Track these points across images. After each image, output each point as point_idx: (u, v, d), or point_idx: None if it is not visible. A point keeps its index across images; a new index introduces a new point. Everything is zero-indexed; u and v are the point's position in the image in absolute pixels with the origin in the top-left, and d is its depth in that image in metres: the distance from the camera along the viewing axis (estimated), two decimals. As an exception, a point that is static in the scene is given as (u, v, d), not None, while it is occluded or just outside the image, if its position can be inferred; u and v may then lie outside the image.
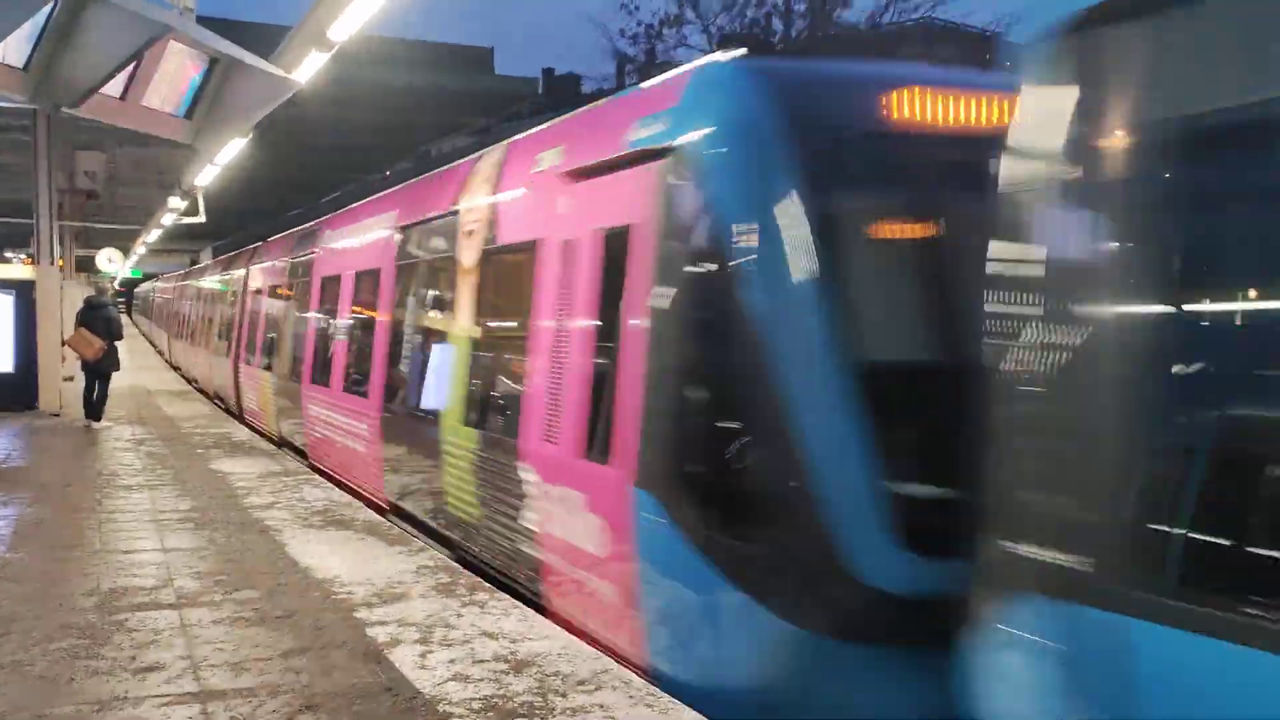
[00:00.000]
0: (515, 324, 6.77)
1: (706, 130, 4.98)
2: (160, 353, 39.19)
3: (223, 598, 6.22)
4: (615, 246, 5.56)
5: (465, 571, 7.03)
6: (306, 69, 7.73)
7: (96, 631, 5.50)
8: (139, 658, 5.10)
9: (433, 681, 4.84)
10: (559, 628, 5.77)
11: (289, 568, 7.00)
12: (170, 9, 6.18)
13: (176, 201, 18.53)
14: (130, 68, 5.79)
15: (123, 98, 5.85)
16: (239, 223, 35.56)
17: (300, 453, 13.36)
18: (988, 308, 3.23)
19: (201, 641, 5.36)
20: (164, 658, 5.10)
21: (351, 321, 11.30)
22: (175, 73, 6.07)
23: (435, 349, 8.55)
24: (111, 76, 5.58)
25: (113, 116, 6.15)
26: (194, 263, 40.66)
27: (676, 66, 5.99)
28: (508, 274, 7.14)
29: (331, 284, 12.26)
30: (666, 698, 4.68)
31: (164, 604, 6.06)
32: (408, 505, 8.86)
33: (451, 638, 5.51)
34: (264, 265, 17.62)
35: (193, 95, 6.22)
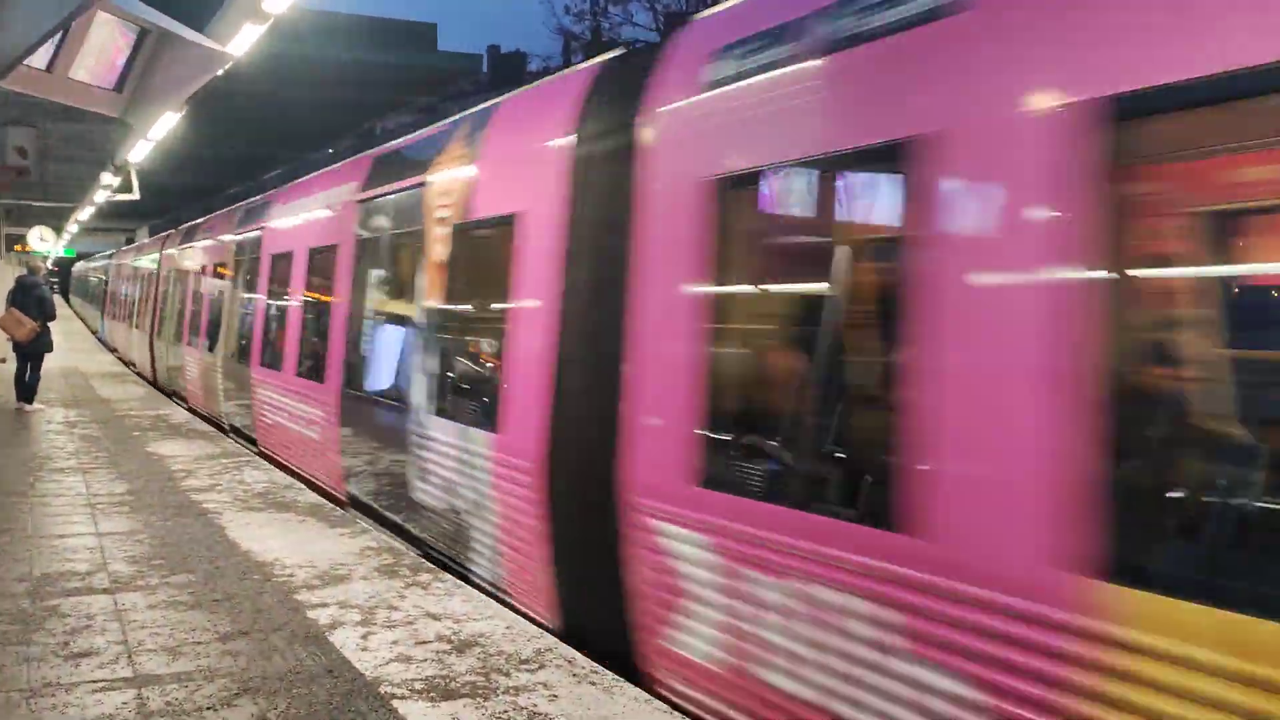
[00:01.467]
0: None
1: None
2: (129, 363, 24.98)
3: (159, 582, 6.10)
4: None
5: (409, 553, 6.98)
6: (241, 41, 7.56)
7: (28, 617, 5.36)
8: (71, 643, 4.99)
9: (374, 663, 4.80)
10: (504, 607, 5.75)
11: (227, 551, 6.89)
12: (99, -22, 6.00)
13: (109, 178, 18.03)
14: (56, 39, 5.61)
15: (49, 70, 5.67)
16: (175, 201, 34.85)
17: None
18: None
19: (136, 626, 5.26)
20: (97, 643, 5.00)
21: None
22: (104, 44, 5.89)
23: None
24: (37, 48, 5.40)
25: (39, 89, 5.96)
26: (129, 241, 38.68)
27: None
28: None
29: None
30: (610, 675, 4.69)
31: (98, 589, 5.93)
32: None
33: (394, 619, 5.47)
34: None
35: (123, 68, 6.05)
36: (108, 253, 40.16)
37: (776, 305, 4.92)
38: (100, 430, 13.05)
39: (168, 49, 5.90)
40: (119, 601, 5.68)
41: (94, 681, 4.51)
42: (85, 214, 28.41)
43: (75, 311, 54.75)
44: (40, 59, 5.70)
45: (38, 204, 25.24)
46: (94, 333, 37.88)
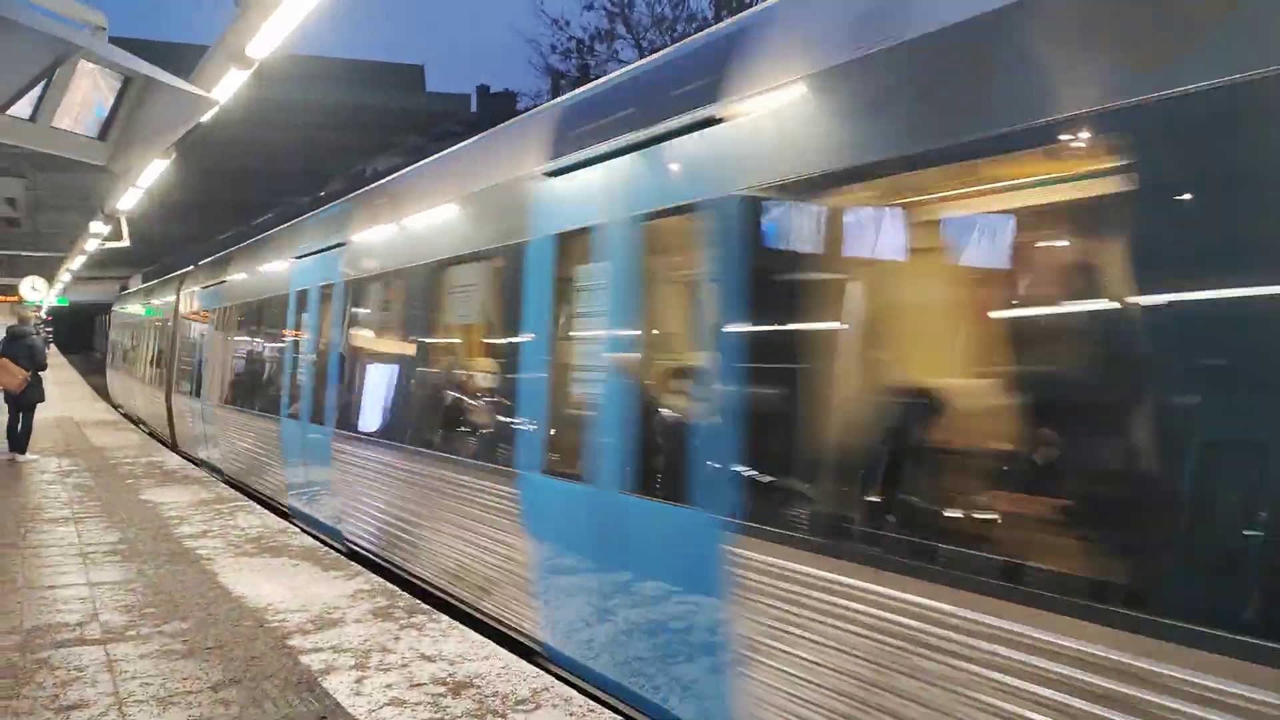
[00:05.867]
0: None
1: None
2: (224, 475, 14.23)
3: (150, 631, 6.03)
4: None
5: (404, 594, 6.92)
6: (226, 87, 7.58)
7: (18, 670, 5.29)
8: (62, 696, 4.92)
9: (368, 708, 4.73)
10: (500, 647, 5.69)
11: (220, 598, 6.83)
12: (81, 28, 6.00)
13: (99, 226, 18.06)
14: (40, 88, 5.61)
15: (32, 119, 5.66)
16: (166, 248, 34.97)
17: None
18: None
19: (128, 677, 5.19)
20: (88, 695, 4.93)
21: None
22: (88, 93, 5.89)
23: None
24: (19, 98, 5.39)
25: (23, 139, 5.95)
26: (123, 289, 38.30)
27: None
28: None
29: None
30: (608, 714, 4.63)
31: (89, 640, 5.86)
32: None
33: (388, 662, 5.41)
34: None
35: (107, 116, 6.04)
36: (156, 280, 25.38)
37: None
38: (93, 479, 12.98)
39: (152, 96, 5.87)
40: (110, 652, 5.61)
41: (84, 735, 4.44)
42: (76, 263, 28.43)
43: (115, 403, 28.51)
44: (23, 108, 5.68)
45: (30, 254, 25.29)
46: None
